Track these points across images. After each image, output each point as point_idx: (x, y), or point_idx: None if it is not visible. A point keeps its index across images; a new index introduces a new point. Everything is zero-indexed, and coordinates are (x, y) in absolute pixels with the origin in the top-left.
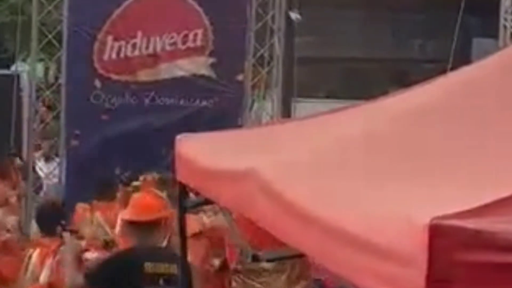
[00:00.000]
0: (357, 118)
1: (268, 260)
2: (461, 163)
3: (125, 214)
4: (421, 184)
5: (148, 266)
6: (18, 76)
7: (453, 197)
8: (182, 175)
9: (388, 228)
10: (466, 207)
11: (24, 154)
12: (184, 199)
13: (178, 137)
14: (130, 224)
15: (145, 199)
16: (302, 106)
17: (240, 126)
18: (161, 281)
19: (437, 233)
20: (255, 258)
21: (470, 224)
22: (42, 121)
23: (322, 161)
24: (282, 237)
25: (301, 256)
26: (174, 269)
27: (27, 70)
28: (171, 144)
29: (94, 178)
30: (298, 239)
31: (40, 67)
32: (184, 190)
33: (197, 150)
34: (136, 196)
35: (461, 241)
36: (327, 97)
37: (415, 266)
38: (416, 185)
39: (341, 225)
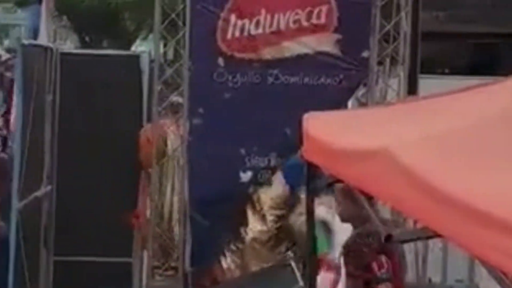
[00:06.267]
0: (494, 97)
1: (403, 241)
2: None
3: None
4: None
5: None
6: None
7: None
8: (310, 154)
9: None
10: None
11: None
12: (313, 179)
13: (306, 115)
14: None
15: None
16: (427, 83)
17: (365, 104)
18: None
19: None
20: (388, 239)
21: None
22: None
23: (458, 140)
24: (417, 217)
25: (436, 236)
26: None
27: (148, 50)
28: (296, 123)
29: (218, 158)
30: (434, 220)
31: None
32: (313, 170)
33: (326, 128)
34: None
35: None
36: (453, 73)
37: None
38: None
39: (482, 206)
